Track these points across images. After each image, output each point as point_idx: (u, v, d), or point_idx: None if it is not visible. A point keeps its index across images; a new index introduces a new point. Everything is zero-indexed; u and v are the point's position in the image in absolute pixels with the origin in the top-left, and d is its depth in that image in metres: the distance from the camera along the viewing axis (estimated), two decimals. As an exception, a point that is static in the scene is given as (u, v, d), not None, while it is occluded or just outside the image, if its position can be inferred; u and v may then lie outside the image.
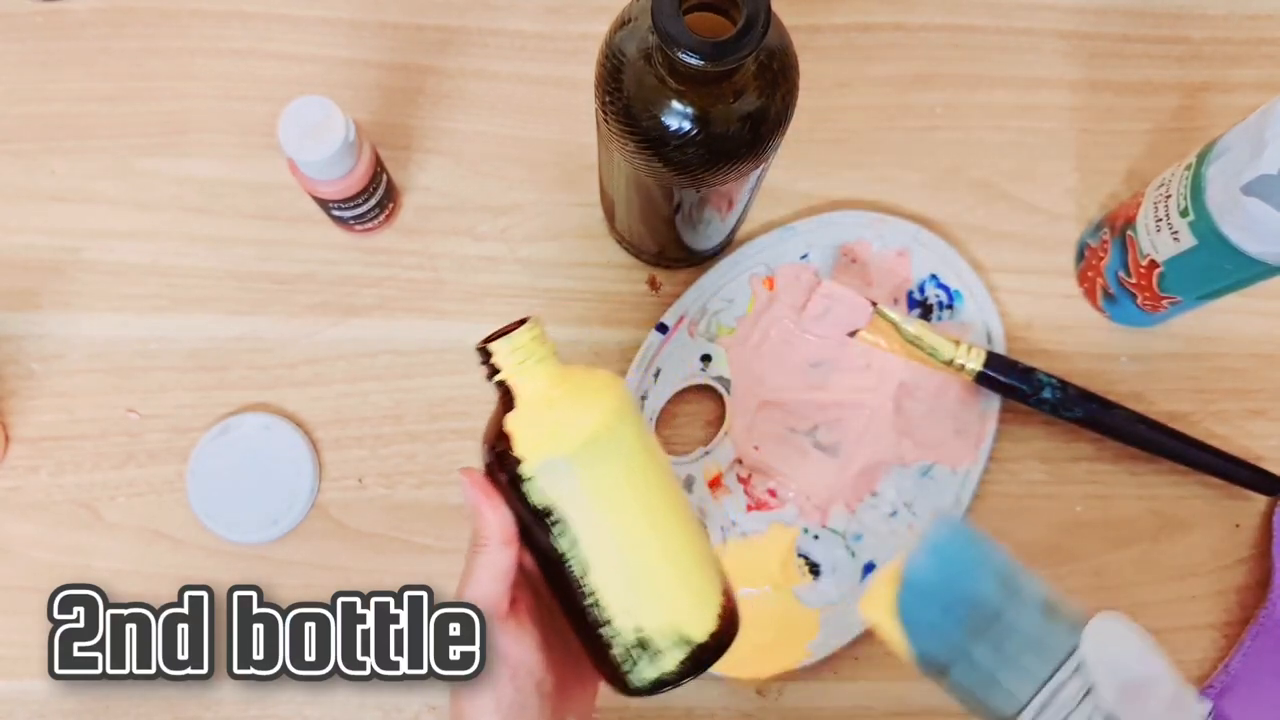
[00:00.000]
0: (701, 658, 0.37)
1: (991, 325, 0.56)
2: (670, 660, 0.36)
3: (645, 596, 0.36)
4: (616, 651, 0.37)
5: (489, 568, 0.37)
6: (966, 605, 0.37)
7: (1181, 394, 0.57)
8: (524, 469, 0.36)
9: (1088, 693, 0.33)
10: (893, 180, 0.59)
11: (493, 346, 0.37)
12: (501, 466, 0.36)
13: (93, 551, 0.54)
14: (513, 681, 0.36)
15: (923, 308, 0.56)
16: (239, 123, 0.58)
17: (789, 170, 0.58)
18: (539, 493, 0.36)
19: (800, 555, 0.54)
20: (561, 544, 0.36)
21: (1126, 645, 0.33)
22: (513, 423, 0.36)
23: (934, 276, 0.56)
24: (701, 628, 0.37)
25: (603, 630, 0.37)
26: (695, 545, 0.38)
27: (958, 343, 0.53)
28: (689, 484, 0.54)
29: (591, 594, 0.36)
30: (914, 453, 0.55)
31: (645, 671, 0.37)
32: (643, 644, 0.36)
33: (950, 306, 0.56)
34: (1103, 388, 0.55)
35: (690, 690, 0.53)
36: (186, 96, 0.58)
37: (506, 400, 0.37)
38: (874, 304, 0.54)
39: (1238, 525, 0.56)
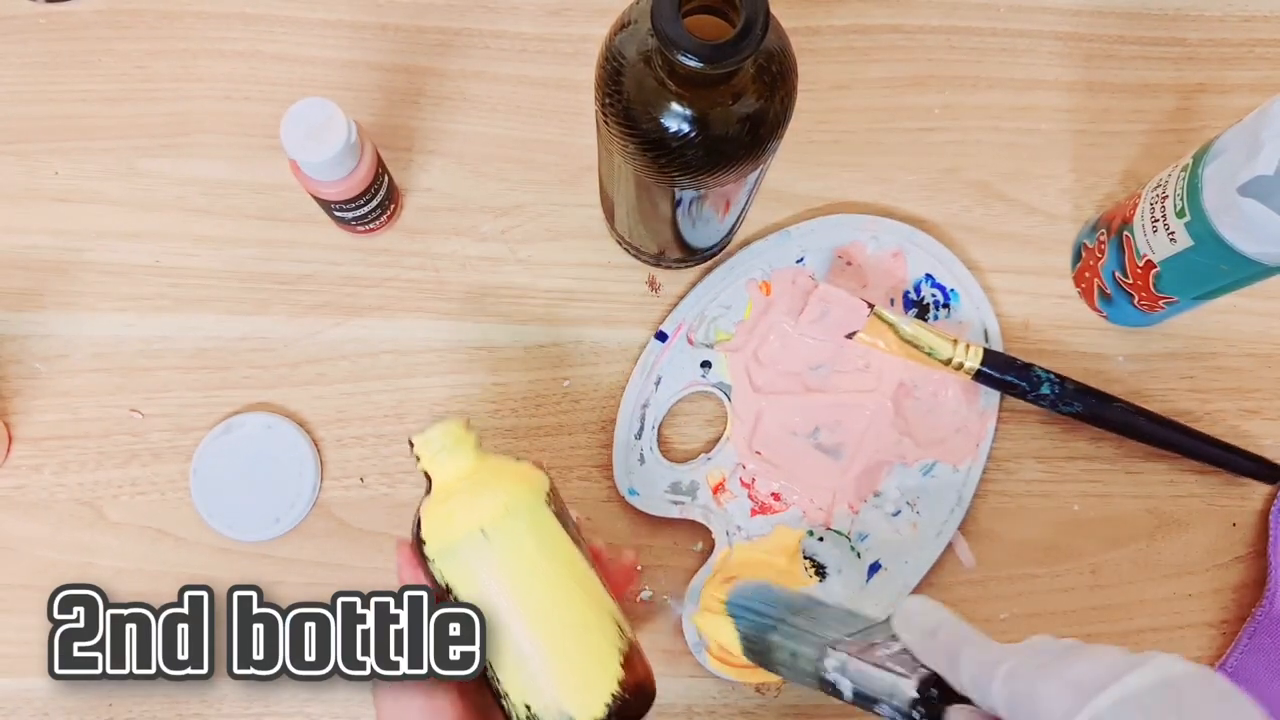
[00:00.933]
0: None
1: (988, 325, 0.56)
2: None
3: (529, 677, 0.38)
4: None
5: None
6: (781, 601, 0.44)
7: (1178, 394, 0.57)
8: (426, 550, 0.39)
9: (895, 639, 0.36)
10: (890, 181, 0.59)
11: (415, 438, 0.41)
12: (419, 543, 0.40)
13: (96, 550, 0.54)
14: None
15: (919, 308, 0.57)
16: (241, 124, 0.58)
17: (788, 171, 0.58)
18: (438, 572, 0.39)
19: (806, 557, 0.54)
20: None
21: (926, 605, 0.36)
22: (424, 507, 0.41)
23: (929, 276, 0.57)
24: (586, 712, 0.38)
25: (503, 702, 0.39)
26: (587, 632, 0.39)
27: (955, 341, 0.54)
28: (693, 490, 0.54)
29: (490, 667, 0.39)
30: (915, 452, 0.55)
31: None
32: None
33: (946, 305, 0.57)
34: (1099, 387, 0.55)
35: (689, 688, 0.53)
36: (189, 98, 0.59)
37: (428, 485, 0.41)
38: (870, 305, 0.54)
39: (1234, 524, 0.56)
